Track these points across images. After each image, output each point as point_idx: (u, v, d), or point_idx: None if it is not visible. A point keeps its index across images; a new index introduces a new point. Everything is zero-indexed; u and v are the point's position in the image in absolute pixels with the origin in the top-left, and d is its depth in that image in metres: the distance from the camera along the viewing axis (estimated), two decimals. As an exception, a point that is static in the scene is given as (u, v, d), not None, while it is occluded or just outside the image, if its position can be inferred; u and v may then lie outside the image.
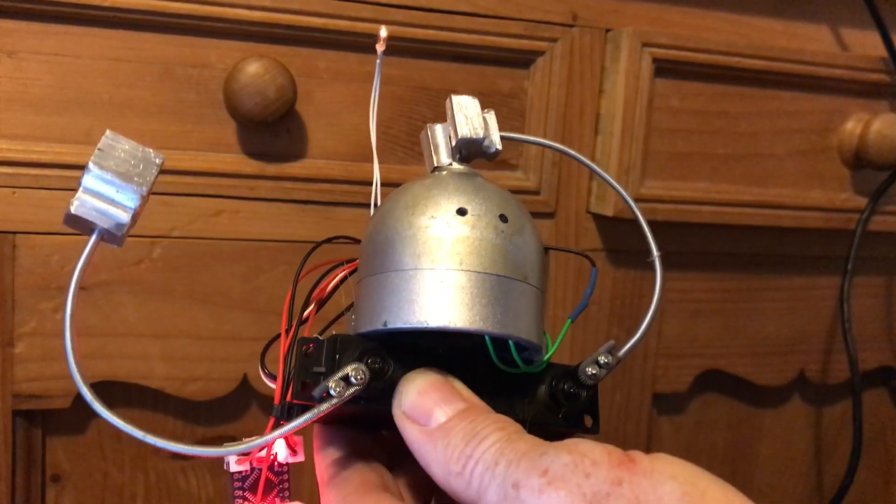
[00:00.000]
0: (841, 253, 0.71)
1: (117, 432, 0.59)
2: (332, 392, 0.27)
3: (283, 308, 0.31)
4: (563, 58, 0.62)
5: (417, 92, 0.59)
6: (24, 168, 0.52)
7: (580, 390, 0.30)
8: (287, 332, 0.30)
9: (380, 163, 0.60)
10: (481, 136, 0.31)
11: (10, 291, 0.53)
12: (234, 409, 0.60)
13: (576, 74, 0.63)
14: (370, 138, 0.59)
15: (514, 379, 0.30)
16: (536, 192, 0.63)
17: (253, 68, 0.52)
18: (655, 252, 0.32)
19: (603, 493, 0.23)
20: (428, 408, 0.27)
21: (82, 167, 0.54)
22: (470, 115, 0.31)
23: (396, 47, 0.58)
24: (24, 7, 0.51)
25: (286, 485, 0.35)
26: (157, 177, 0.32)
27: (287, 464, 0.34)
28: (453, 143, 0.32)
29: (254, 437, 0.29)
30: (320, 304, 0.33)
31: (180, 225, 0.56)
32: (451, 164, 0.32)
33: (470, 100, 0.32)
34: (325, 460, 0.30)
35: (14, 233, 0.53)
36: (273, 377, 0.30)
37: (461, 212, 0.29)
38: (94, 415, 0.59)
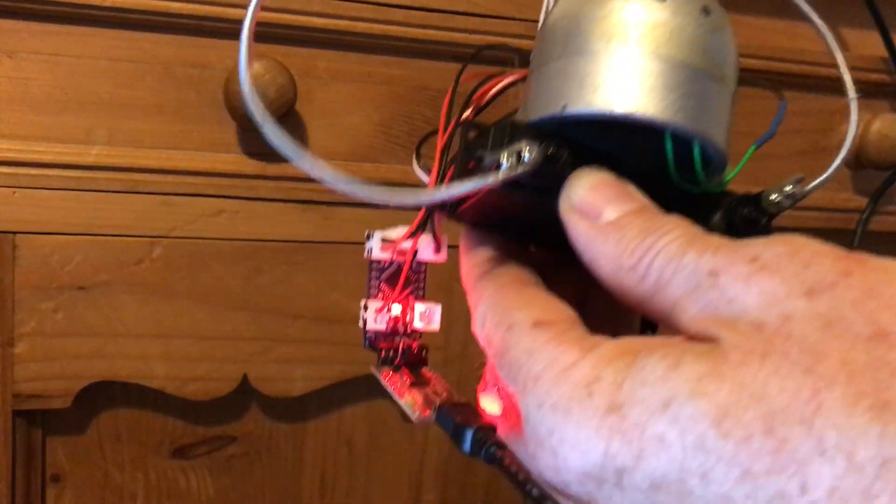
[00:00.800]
0: (841, 253, 0.71)
1: (117, 432, 0.59)
2: (503, 164, 0.24)
3: (443, 106, 0.29)
4: (564, 58, 0.62)
5: (417, 92, 0.59)
6: (25, 168, 0.52)
7: (761, 216, 0.27)
8: (445, 129, 0.28)
9: (379, 162, 0.60)
10: None
11: (10, 291, 0.53)
12: (235, 409, 0.60)
13: (576, 74, 0.63)
14: (370, 139, 0.60)
15: (687, 203, 0.26)
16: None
17: (253, 68, 0.52)
18: (852, 94, 0.30)
19: (827, 282, 0.19)
20: (599, 204, 0.24)
21: (82, 167, 0.54)
22: None
23: (396, 47, 0.58)
24: (24, 7, 0.51)
25: (422, 283, 0.34)
26: None
27: (426, 262, 0.33)
28: None
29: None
30: (479, 109, 0.30)
31: (180, 225, 0.56)
32: None
33: None
34: (474, 258, 0.29)
35: (14, 233, 0.53)
36: (427, 170, 0.29)
37: None
38: (94, 414, 0.59)
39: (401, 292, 0.33)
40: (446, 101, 0.29)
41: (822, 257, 0.20)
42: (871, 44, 0.70)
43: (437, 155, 0.28)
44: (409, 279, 0.33)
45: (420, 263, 0.33)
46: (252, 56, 0.25)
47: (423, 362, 0.33)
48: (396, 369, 0.32)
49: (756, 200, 0.28)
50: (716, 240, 0.22)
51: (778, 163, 0.68)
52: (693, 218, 0.26)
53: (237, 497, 0.62)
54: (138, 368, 0.56)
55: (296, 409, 0.62)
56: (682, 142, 0.26)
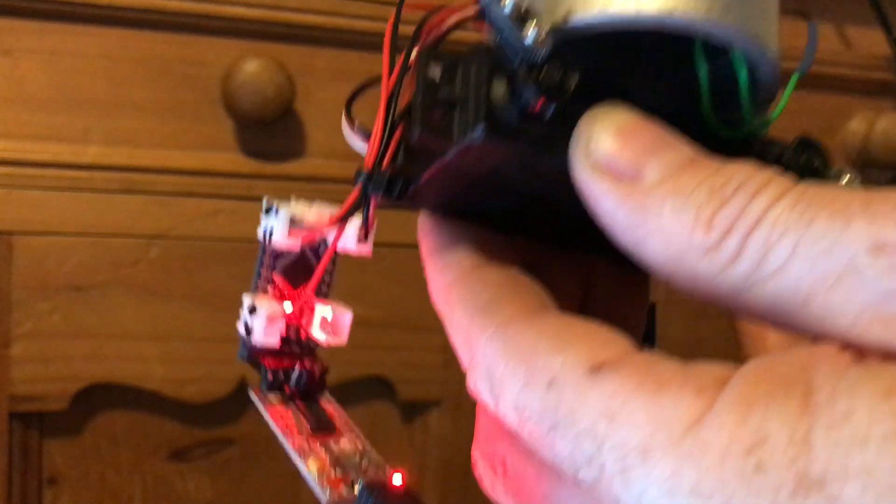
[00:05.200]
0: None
1: (114, 434, 0.58)
2: (483, 113, 0.17)
3: (385, 40, 0.21)
4: (565, 56, 0.61)
5: (417, 91, 0.59)
6: (21, 168, 0.52)
7: (825, 166, 0.20)
8: (389, 74, 0.20)
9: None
10: None
11: (6, 292, 0.53)
12: (232, 412, 0.60)
13: (577, 73, 0.62)
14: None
15: (721, 154, 0.18)
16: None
17: (251, 67, 0.52)
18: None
19: None
20: (636, 156, 0.16)
21: (79, 166, 0.54)
22: None
23: (398, 47, 0.57)
24: (21, 5, 0.51)
25: (329, 279, 0.25)
26: None
27: (340, 253, 0.24)
28: None
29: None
30: (436, 38, 0.21)
31: (177, 225, 0.55)
32: None
33: None
34: (446, 273, 0.20)
35: (10, 233, 0.53)
36: (366, 133, 0.20)
37: None
38: (91, 417, 0.59)
39: (313, 287, 0.24)
40: (388, 32, 0.21)
41: None
42: (875, 42, 0.70)
43: (381, 108, 0.20)
44: (310, 271, 0.25)
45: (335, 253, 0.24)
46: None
47: (322, 387, 0.25)
48: (287, 399, 0.24)
49: (810, 143, 0.21)
50: (848, 193, 0.14)
51: (781, 162, 0.68)
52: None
53: (235, 500, 0.62)
54: (135, 370, 0.56)
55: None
56: (718, 68, 0.19)
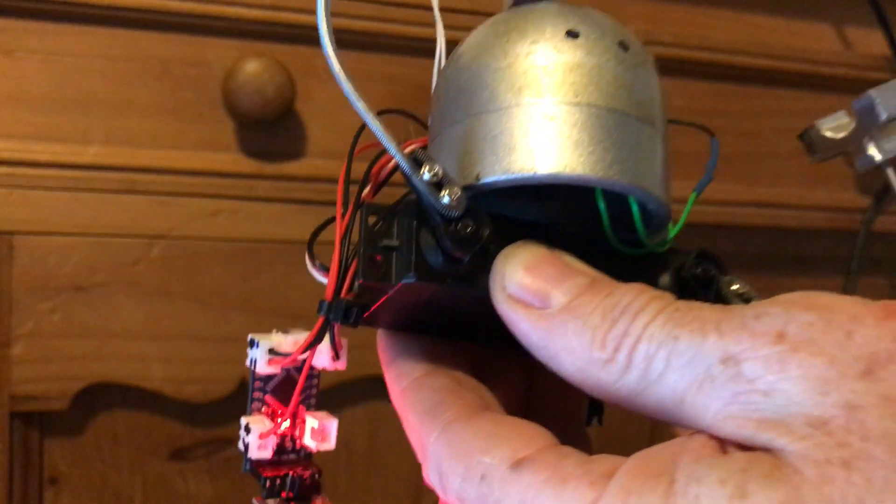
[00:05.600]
0: (845, 253, 0.71)
1: (115, 434, 0.58)
2: (413, 258, 0.21)
3: (338, 188, 0.25)
4: (565, 56, 0.61)
5: (417, 91, 0.59)
6: (21, 168, 0.52)
7: (717, 273, 0.24)
8: (343, 215, 0.24)
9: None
10: None
11: (7, 292, 0.53)
12: (233, 412, 0.60)
13: (577, 73, 0.62)
14: (371, 138, 0.59)
15: (625, 266, 0.22)
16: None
17: (251, 67, 0.52)
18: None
19: (883, 355, 0.16)
20: (542, 287, 0.20)
21: (79, 167, 0.54)
22: None
23: (396, 46, 0.57)
24: (22, 5, 0.51)
25: (314, 391, 0.29)
26: None
27: (319, 370, 0.28)
28: None
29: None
30: (379, 186, 0.26)
31: (178, 225, 0.55)
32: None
33: None
34: (401, 381, 0.24)
35: (11, 233, 0.53)
36: (325, 269, 0.24)
37: (572, 34, 0.22)
38: (91, 416, 0.59)
39: (293, 408, 0.28)
40: (341, 179, 0.25)
41: (862, 319, 0.17)
42: (874, 42, 0.70)
43: (336, 247, 0.23)
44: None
45: (315, 370, 0.28)
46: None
47: (317, 490, 0.28)
48: (285, 503, 0.28)
49: (707, 256, 0.24)
50: (709, 311, 0.18)
51: (778, 163, 0.68)
52: (639, 280, 0.22)
53: (235, 500, 0.62)
54: (136, 370, 0.56)
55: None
56: (617, 199, 0.22)
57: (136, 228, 0.55)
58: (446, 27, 0.29)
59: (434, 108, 0.25)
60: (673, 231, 0.24)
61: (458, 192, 0.20)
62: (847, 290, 0.71)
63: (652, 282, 0.23)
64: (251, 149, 0.56)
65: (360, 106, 0.23)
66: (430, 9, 0.60)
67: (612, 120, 0.21)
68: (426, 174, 0.20)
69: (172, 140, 0.55)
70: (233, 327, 0.57)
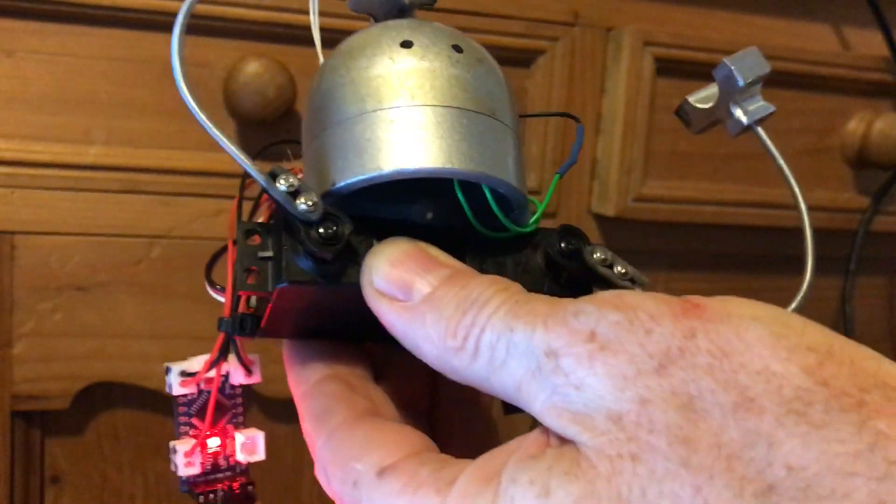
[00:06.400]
0: (843, 253, 0.71)
1: (116, 433, 0.58)
2: (281, 264, 0.23)
3: (230, 217, 0.27)
4: (565, 57, 0.62)
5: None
6: (23, 168, 0.52)
7: (582, 245, 0.25)
8: (235, 242, 0.25)
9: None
10: None
11: (8, 292, 0.53)
12: (234, 410, 0.60)
13: (577, 73, 0.62)
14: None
15: (499, 249, 0.25)
16: (537, 192, 0.63)
17: (252, 68, 0.52)
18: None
19: (674, 351, 0.18)
20: (406, 279, 0.22)
21: (81, 167, 0.54)
22: None
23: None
24: (23, 6, 0.51)
25: (240, 409, 0.30)
26: None
27: (240, 386, 0.30)
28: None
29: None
30: (271, 212, 0.28)
31: (179, 225, 0.55)
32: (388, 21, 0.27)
33: None
34: (299, 387, 0.26)
35: (12, 233, 0.53)
36: (221, 289, 0.27)
37: (406, 44, 0.24)
38: (93, 415, 0.59)
39: (212, 427, 0.29)
40: (233, 211, 0.27)
41: (660, 319, 0.18)
42: (873, 43, 0.70)
43: (229, 270, 0.25)
44: (223, 407, 0.30)
45: (235, 387, 0.30)
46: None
47: (249, 499, 0.30)
48: None
49: (572, 230, 0.25)
50: (542, 305, 0.19)
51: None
52: (510, 262, 0.25)
53: (237, 498, 0.62)
54: (137, 369, 0.56)
55: (296, 411, 0.62)
56: (477, 191, 0.24)
57: (137, 228, 0.55)
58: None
59: (303, 126, 0.27)
60: (538, 212, 0.25)
61: (313, 198, 0.22)
62: (846, 289, 0.71)
63: (525, 261, 0.25)
64: (252, 149, 0.56)
65: (216, 133, 0.25)
66: (429, 9, 0.61)
67: (450, 116, 0.23)
68: (282, 186, 0.22)
69: (174, 140, 0.55)
70: (233, 327, 0.57)
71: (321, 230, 0.22)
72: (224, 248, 0.27)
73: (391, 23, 0.26)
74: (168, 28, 0.58)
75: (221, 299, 0.27)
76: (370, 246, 0.23)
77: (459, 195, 0.24)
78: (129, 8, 0.52)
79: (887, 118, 0.68)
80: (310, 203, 0.22)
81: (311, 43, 0.57)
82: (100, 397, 0.57)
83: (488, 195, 0.24)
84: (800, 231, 0.30)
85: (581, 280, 0.25)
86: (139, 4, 0.52)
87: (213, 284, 0.28)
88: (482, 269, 0.23)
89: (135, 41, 0.53)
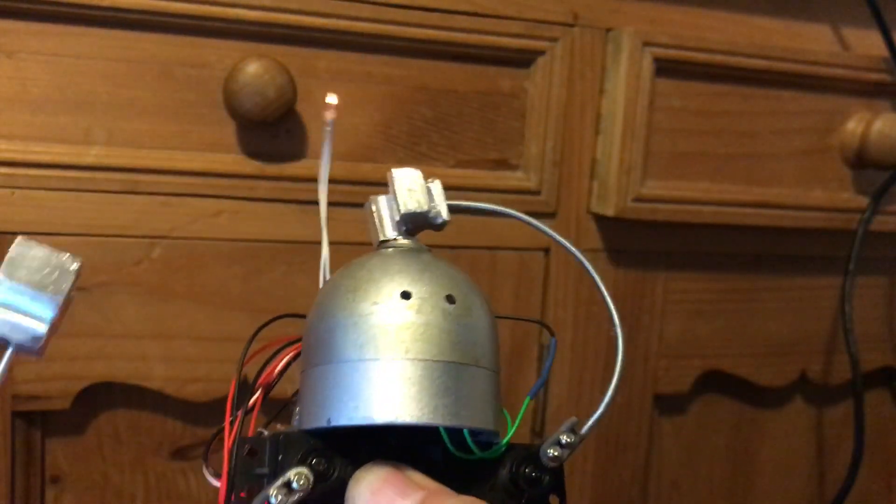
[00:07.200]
0: (842, 253, 0.71)
1: (117, 433, 0.59)
2: (272, 501, 0.26)
3: (228, 397, 0.30)
4: (564, 57, 0.62)
5: (417, 92, 0.59)
6: (23, 168, 0.52)
7: (542, 474, 0.29)
8: (232, 423, 0.29)
9: (379, 162, 0.60)
10: (426, 208, 0.31)
11: (9, 292, 0.53)
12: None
13: (576, 74, 0.63)
14: (370, 139, 0.59)
15: (472, 465, 0.29)
16: (537, 193, 0.63)
17: (252, 68, 0.52)
18: (618, 328, 0.31)
19: None
20: None
21: (81, 167, 0.54)
22: (413, 188, 0.31)
23: (396, 47, 0.58)
24: (24, 7, 0.51)
25: None
26: (74, 284, 0.30)
27: None
28: (397, 218, 0.31)
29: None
30: (267, 391, 0.31)
31: (180, 225, 0.56)
32: (396, 239, 0.31)
33: (411, 172, 0.31)
34: None
35: (13, 233, 0.53)
36: (217, 476, 0.28)
37: (405, 295, 0.27)
38: (93, 416, 0.59)
39: None
40: (232, 389, 0.30)
41: None
42: (872, 43, 0.70)
43: (225, 462, 0.27)
44: None
45: None
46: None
47: None
48: None
49: (535, 458, 0.29)
50: None
51: (778, 163, 0.68)
52: (481, 477, 0.28)
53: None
54: (138, 369, 0.56)
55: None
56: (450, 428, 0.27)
57: (137, 229, 0.55)
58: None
59: (304, 339, 0.29)
60: (505, 439, 0.29)
61: (305, 478, 0.26)
62: (845, 289, 0.71)
63: (493, 477, 0.29)
64: (252, 150, 0.56)
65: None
66: (429, 9, 0.61)
67: (438, 370, 0.27)
68: (273, 499, 0.26)
69: (174, 141, 0.55)
70: (234, 327, 0.57)
71: (314, 462, 0.26)
72: (220, 430, 0.29)
73: (394, 265, 0.29)
74: (168, 29, 0.59)
75: (216, 484, 0.28)
76: (354, 469, 0.27)
77: (443, 434, 0.27)
78: (129, 8, 0.52)
79: (886, 118, 0.68)
80: (301, 483, 0.26)
81: (311, 43, 0.57)
82: (100, 397, 0.57)
83: (466, 436, 0.28)
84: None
85: (539, 499, 0.29)
86: (139, 5, 0.52)
87: (209, 467, 0.30)
88: (454, 487, 0.26)
89: (135, 42, 0.53)
